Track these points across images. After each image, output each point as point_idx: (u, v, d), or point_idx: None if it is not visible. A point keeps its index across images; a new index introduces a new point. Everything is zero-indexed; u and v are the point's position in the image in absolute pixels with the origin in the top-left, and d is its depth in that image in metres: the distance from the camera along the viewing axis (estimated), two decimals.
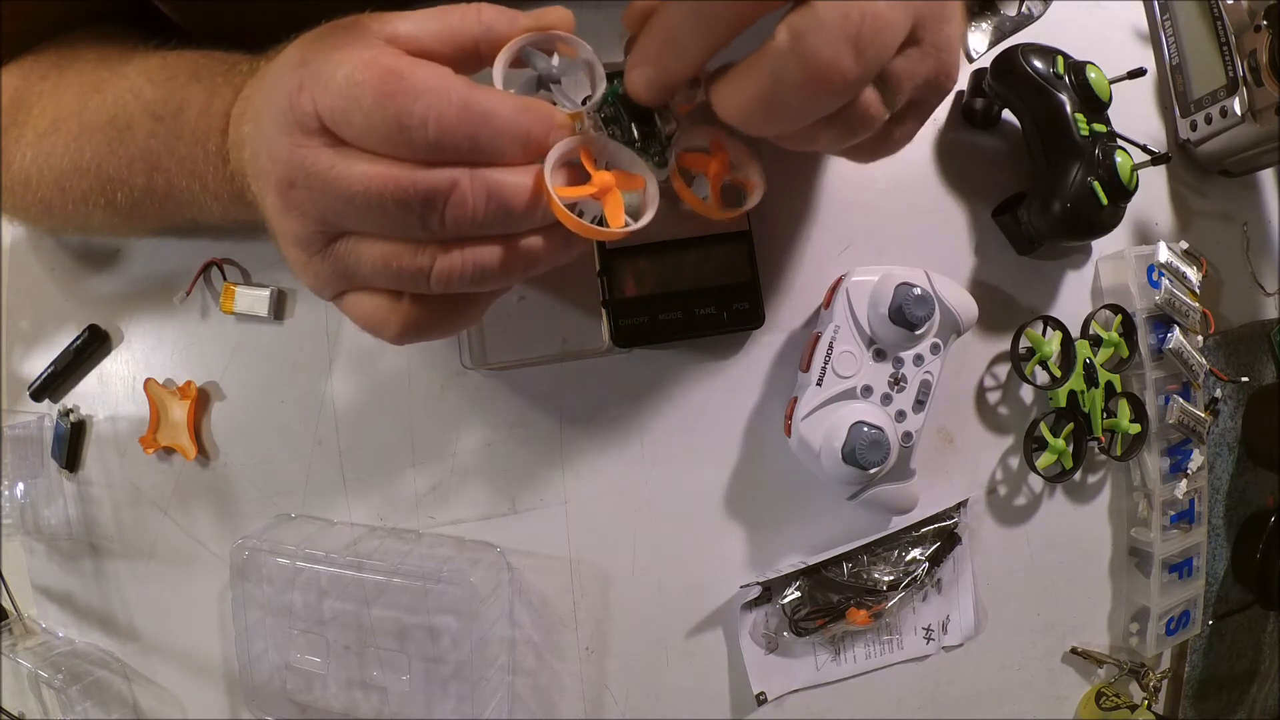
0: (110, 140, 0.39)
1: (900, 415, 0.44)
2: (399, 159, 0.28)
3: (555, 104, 0.32)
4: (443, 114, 0.27)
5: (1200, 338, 0.50)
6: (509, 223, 0.30)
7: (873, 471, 0.42)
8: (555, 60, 0.33)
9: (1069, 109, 0.45)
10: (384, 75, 0.27)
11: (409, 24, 0.30)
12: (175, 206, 0.41)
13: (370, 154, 0.28)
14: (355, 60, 0.28)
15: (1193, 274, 0.50)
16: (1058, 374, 0.48)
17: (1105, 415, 0.49)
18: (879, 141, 0.35)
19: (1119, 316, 0.49)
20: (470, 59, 0.31)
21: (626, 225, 0.31)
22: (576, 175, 0.31)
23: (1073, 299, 0.51)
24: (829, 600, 0.47)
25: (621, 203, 0.32)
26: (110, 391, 0.50)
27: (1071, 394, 0.48)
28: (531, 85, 0.32)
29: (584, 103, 0.32)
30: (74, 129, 0.40)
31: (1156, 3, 0.54)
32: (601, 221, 0.32)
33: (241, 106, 0.35)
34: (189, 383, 0.48)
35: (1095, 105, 0.47)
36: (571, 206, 0.30)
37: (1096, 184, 0.45)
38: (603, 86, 0.33)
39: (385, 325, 0.32)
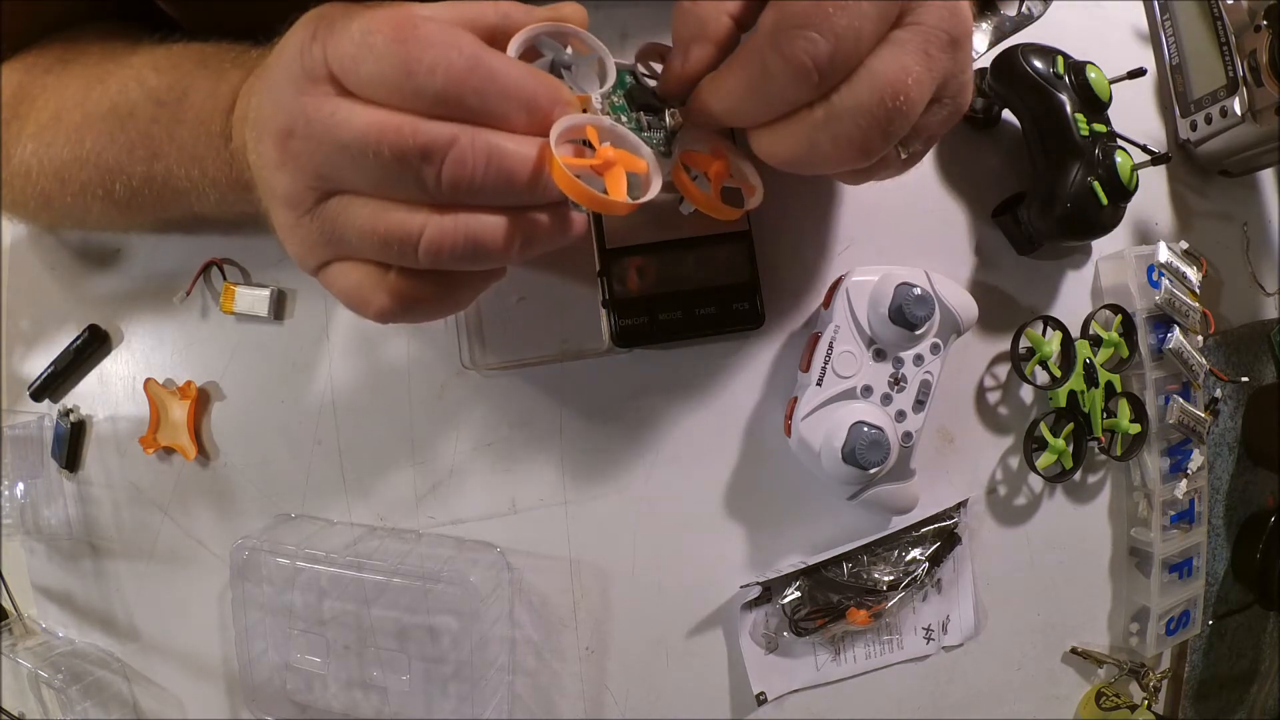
0: (111, 128, 0.39)
1: (900, 415, 0.44)
2: (403, 110, 0.28)
3: (579, 85, 0.33)
4: (452, 64, 0.27)
5: (1200, 338, 0.50)
6: (507, 192, 0.29)
7: (873, 471, 0.42)
8: (569, 51, 0.33)
9: (1069, 109, 0.45)
10: (400, 24, 0.27)
11: (428, 8, 0.30)
12: (173, 196, 0.40)
13: (374, 104, 0.28)
14: (372, 15, 0.28)
15: (1193, 274, 0.50)
16: (1058, 374, 0.48)
17: (1105, 415, 0.49)
18: (886, 169, 0.36)
19: (1119, 316, 0.49)
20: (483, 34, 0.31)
21: (637, 195, 0.32)
22: (581, 154, 0.31)
23: (1073, 299, 0.51)
24: (829, 600, 0.47)
25: (624, 178, 0.31)
26: (110, 391, 0.50)
27: (1071, 394, 0.48)
28: (545, 69, 0.33)
29: (608, 85, 0.33)
30: (76, 119, 0.40)
31: (1156, 3, 0.54)
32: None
33: (251, 82, 0.35)
34: (189, 383, 0.48)
35: (1095, 105, 0.47)
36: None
37: (1096, 184, 0.45)
38: (613, 78, 0.33)
39: (369, 300, 0.31)
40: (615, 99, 0.34)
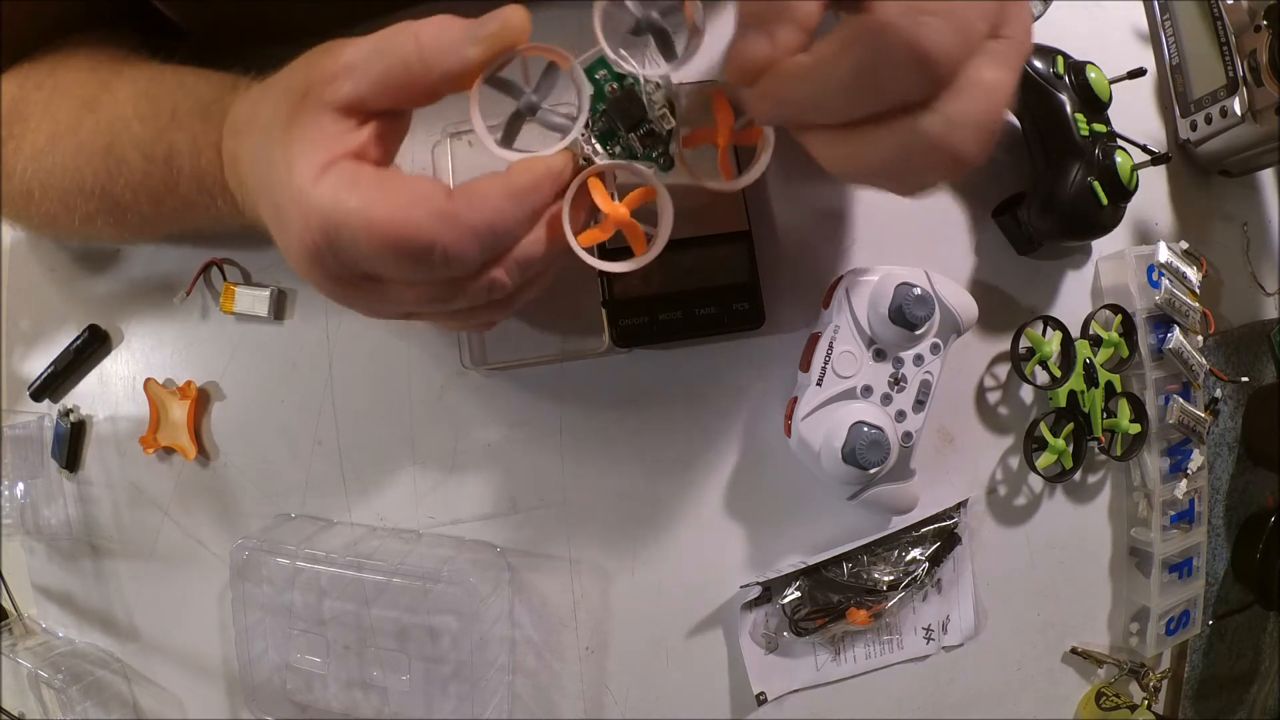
0: (110, 169, 0.39)
1: (900, 415, 0.44)
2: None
3: (553, 123, 0.32)
4: (461, 253, 0.29)
5: (1200, 338, 0.50)
6: (542, 267, 0.33)
7: (873, 471, 0.42)
8: (530, 79, 0.31)
9: (1069, 109, 0.45)
10: (396, 240, 0.28)
11: (353, 83, 0.30)
12: (190, 223, 0.42)
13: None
14: (356, 218, 0.29)
15: (1193, 274, 0.50)
16: (1058, 374, 0.48)
17: (1105, 415, 0.49)
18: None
19: (1119, 316, 0.49)
20: (429, 97, 0.31)
21: (649, 243, 0.33)
22: (585, 199, 0.32)
23: (1073, 299, 0.51)
24: (829, 600, 0.47)
25: (640, 230, 0.33)
26: (110, 391, 0.50)
27: (1071, 394, 0.48)
28: (515, 118, 0.32)
29: (583, 123, 0.32)
30: (71, 147, 0.40)
31: (1156, 3, 0.54)
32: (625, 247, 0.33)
33: (231, 166, 0.35)
34: (189, 383, 0.48)
35: (1095, 105, 0.47)
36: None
37: (1096, 184, 0.45)
38: (587, 90, 0.31)
39: (404, 308, 0.34)
40: (600, 124, 0.32)
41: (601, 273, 0.43)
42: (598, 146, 0.32)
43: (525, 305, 0.38)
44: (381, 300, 0.32)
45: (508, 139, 0.32)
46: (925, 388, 0.45)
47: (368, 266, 0.30)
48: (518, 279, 0.32)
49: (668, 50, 0.31)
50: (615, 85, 0.32)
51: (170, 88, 0.39)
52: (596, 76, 0.32)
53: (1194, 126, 0.52)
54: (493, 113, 0.31)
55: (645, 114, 0.32)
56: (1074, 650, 0.51)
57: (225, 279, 0.48)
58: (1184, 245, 0.51)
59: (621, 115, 0.32)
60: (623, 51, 0.31)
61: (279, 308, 0.48)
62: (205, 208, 0.39)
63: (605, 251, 0.36)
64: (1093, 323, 0.49)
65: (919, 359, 0.44)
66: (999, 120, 0.29)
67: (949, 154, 0.28)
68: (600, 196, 0.32)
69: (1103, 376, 0.49)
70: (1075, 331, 0.49)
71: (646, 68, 0.31)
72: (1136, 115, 0.52)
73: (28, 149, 0.41)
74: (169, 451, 0.49)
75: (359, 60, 0.30)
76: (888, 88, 0.27)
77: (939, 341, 0.45)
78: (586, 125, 0.32)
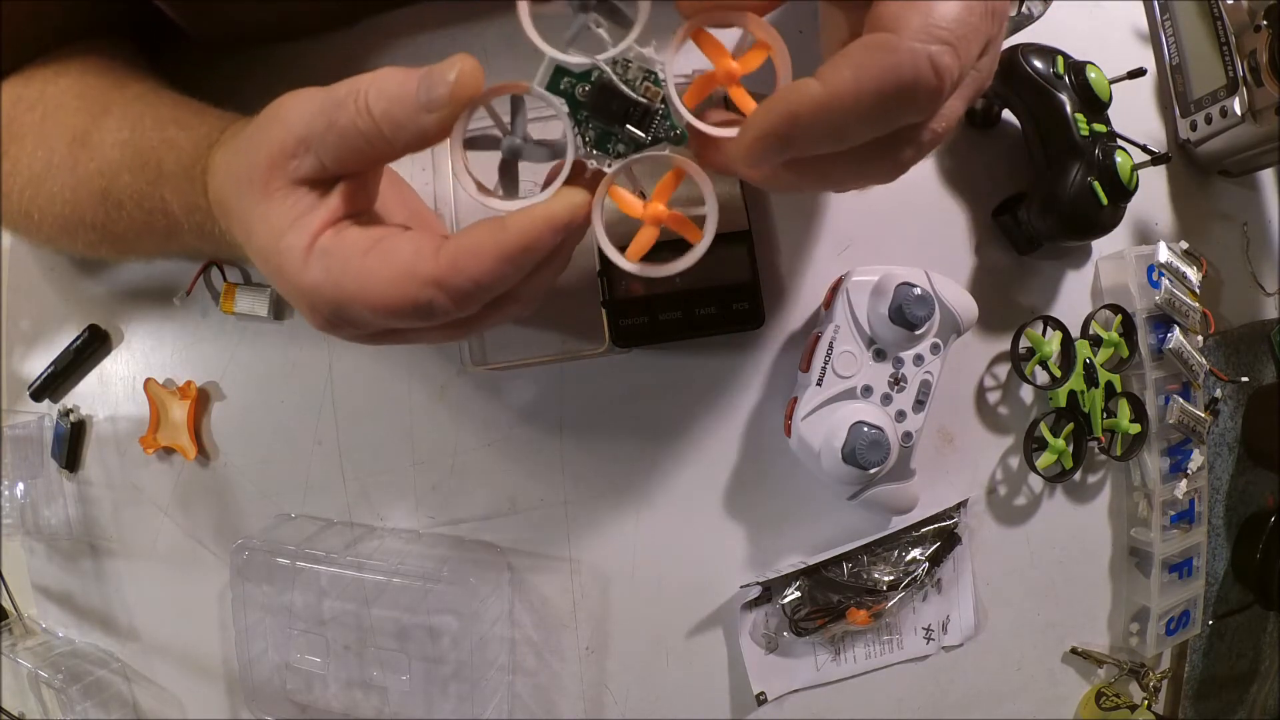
0: (109, 212, 0.39)
1: (900, 415, 0.44)
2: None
3: (545, 154, 0.29)
4: (461, 304, 0.29)
5: (1200, 338, 0.50)
6: (544, 280, 0.32)
7: (873, 471, 0.42)
8: (502, 117, 0.30)
9: (1069, 109, 0.45)
10: (394, 303, 0.29)
11: (313, 158, 0.29)
12: (190, 250, 0.43)
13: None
14: (350, 289, 0.29)
15: (1193, 274, 0.50)
16: (1058, 374, 0.48)
17: (1105, 415, 0.49)
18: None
19: (1119, 316, 0.49)
20: (391, 158, 0.30)
21: (704, 228, 0.29)
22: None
23: (1073, 299, 0.51)
24: (829, 600, 0.47)
25: (684, 217, 0.29)
26: (110, 391, 0.50)
27: (1071, 394, 0.48)
28: (506, 166, 0.30)
29: (572, 145, 0.29)
30: (69, 181, 0.40)
31: (1156, 3, 0.54)
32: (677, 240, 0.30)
33: (225, 224, 0.35)
34: (189, 383, 0.48)
35: (1095, 105, 0.47)
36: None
37: (1096, 184, 0.45)
38: (561, 107, 0.29)
39: (426, 340, 0.35)
40: (590, 133, 0.29)
41: (602, 273, 0.43)
42: (596, 154, 0.30)
43: None
44: (404, 339, 0.33)
45: (508, 186, 0.31)
46: (925, 388, 0.45)
47: (381, 325, 0.31)
48: (533, 300, 0.33)
49: (617, 17, 0.28)
50: (584, 87, 0.29)
51: (154, 142, 0.38)
52: (561, 87, 0.29)
53: (1194, 126, 0.52)
54: (482, 161, 0.30)
55: (628, 100, 0.29)
56: (1074, 650, 0.51)
57: (225, 279, 0.48)
58: (1184, 245, 0.51)
59: (604, 113, 0.29)
60: (570, 49, 0.28)
61: (279, 308, 0.48)
62: (214, 246, 0.39)
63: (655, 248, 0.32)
64: (1093, 323, 0.49)
65: (919, 359, 0.44)
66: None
67: (901, 170, 0.29)
68: (626, 204, 0.29)
69: (1103, 376, 0.49)
70: (1075, 331, 0.49)
71: (605, 50, 0.28)
72: (1136, 115, 0.52)
73: (24, 171, 0.41)
74: (169, 451, 0.49)
75: (314, 135, 0.29)
76: (905, 113, 0.26)
77: (939, 341, 0.45)
78: (579, 142, 0.29)
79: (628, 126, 0.29)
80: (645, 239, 0.29)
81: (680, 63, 0.29)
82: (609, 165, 0.29)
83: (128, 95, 0.41)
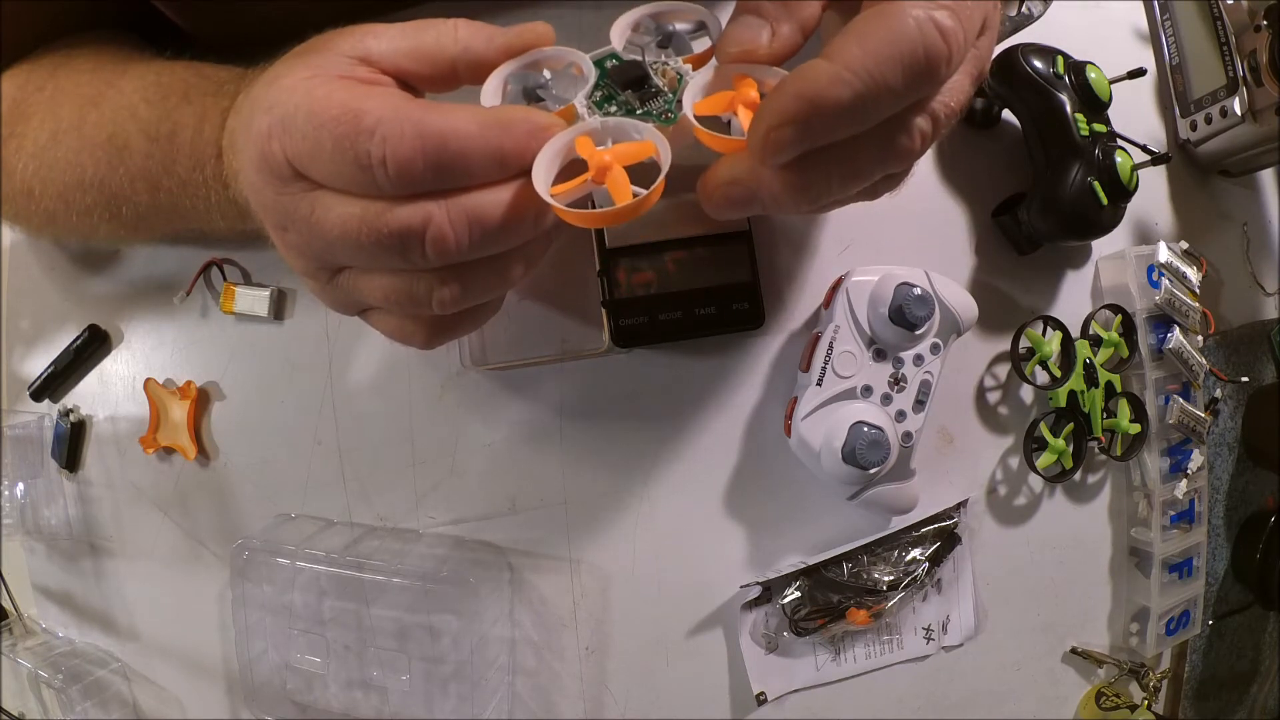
0: (110, 158, 0.39)
1: (900, 415, 0.44)
2: (374, 197, 0.27)
3: (548, 107, 0.31)
4: (397, 150, 0.26)
5: (1200, 338, 0.50)
6: (500, 241, 0.29)
7: (873, 471, 0.42)
8: (545, 74, 0.32)
9: (1069, 109, 0.45)
10: (339, 115, 0.26)
11: (381, 41, 0.30)
12: (181, 219, 0.41)
13: (347, 194, 0.28)
14: (315, 98, 0.27)
15: (1193, 274, 0.50)
16: (1058, 374, 0.48)
17: (1105, 415, 0.49)
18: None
19: (1119, 316, 0.49)
20: (447, 78, 0.31)
21: (635, 195, 0.29)
22: (581, 167, 0.30)
23: (1073, 299, 0.51)
24: (829, 600, 0.47)
25: (626, 180, 0.29)
26: (110, 391, 0.50)
27: (1071, 394, 0.48)
28: (518, 96, 0.32)
29: (585, 93, 0.31)
30: (74, 143, 0.40)
31: (1156, 3, 0.54)
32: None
33: (229, 139, 0.35)
34: (189, 383, 0.48)
35: (1095, 105, 0.47)
36: (582, 201, 0.29)
37: (1096, 184, 0.45)
38: (592, 79, 0.32)
39: (412, 337, 0.33)
40: (599, 93, 0.32)
41: (601, 273, 0.43)
42: (589, 106, 0.31)
43: (526, 305, 0.37)
44: (358, 288, 0.31)
45: None
46: (925, 388, 0.45)
47: (308, 163, 0.28)
48: (465, 239, 0.28)
49: (683, 50, 0.33)
50: (614, 62, 0.33)
51: (184, 75, 0.39)
52: (606, 65, 0.33)
53: (1194, 126, 0.52)
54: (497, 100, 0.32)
55: (647, 75, 0.32)
56: (1074, 650, 0.51)
57: (225, 279, 0.48)
58: (1184, 245, 0.51)
59: (621, 78, 0.32)
60: (633, 44, 0.33)
61: (279, 308, 0.48)
62: (197, 188, 0.38)
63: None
64: (1093, 323, 0.49)
65: (919, 359, 0.44)
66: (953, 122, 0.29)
67: (921, 145, 0.28)
68: (585, 147, 0.29)
69: (1103, 376, 0.49)
70: (1075, 331, 0.49)
71: (660, 58, 0.33)
72: (1136, 115, 0.52)
73: (30, 146, 0.41)
74: (169, 451, 0.49)
75: (388, 30, 0.30)
76: (917, 78, 0.25)
77: (939, 341, 0.45)
78: (588, 96, 0.31)
79: (629, 92, 0.32)
80: (578, 181, 0.30)
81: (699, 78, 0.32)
82: (587, 111, 0.32)
83: (147, 59, 0.42)
